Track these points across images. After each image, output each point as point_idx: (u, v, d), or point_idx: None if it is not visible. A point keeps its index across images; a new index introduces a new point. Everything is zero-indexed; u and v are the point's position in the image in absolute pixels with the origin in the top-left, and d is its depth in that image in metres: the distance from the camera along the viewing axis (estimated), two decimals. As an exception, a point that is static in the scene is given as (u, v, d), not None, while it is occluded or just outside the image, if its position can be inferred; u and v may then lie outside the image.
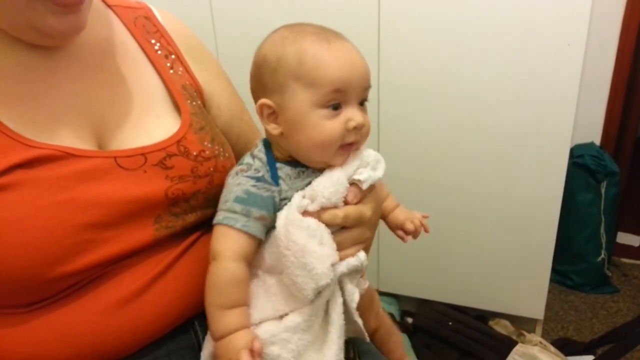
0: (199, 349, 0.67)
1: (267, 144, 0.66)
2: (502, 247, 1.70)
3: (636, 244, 2.39)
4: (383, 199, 0.73)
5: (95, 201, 0.57)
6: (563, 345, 1.79)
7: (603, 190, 2.01)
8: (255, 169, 0.63)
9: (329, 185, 0.62)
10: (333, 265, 0.59)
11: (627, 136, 2.17)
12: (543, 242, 1.64)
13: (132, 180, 0.61)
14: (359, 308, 0.68)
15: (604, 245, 2.07)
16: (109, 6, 0.72)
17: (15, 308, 0.57)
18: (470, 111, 1.54)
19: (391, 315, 1.82)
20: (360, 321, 0.67)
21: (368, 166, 0.65)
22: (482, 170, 1.61)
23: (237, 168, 0.64)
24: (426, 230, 0.74)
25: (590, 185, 2.01)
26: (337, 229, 0.63)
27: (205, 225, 0.68)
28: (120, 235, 0.59)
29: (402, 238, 0.74)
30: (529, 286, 1.72)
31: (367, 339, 0.71)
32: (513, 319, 1.81)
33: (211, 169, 0.68)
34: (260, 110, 0.64)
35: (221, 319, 0.59)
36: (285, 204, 0.62)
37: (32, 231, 0.53)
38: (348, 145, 0.63)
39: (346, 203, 0.64)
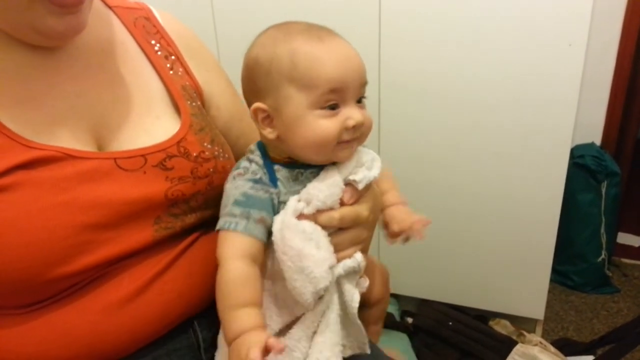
0: (199, 348, 0.67)
1: (262, 147, 0.65)
2: (502, 247, 1.70)
3: (636, 244, 2.38)
4: (382, 196, 0.72)
5: (95, 202, 0.57)
6: (563, 345, 1.79)
7: (603, 191, 2.01)
8: (252, 172, 0.62)
9: (325, 189, 0.61)
10: (331, 267, 0.59)
11: (628, 136, 2.17)
12: (543, 242, 1.64)
13: (132, 182, 0.61)
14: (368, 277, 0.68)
15: (604, 246, 2.07)
16: (109, 7, 0.72)
17: (15, 308, 0.58)
18: (471, 111, 1.54)
19: (391, 315, 1.82)
20: (360, 326, 0.66)
21: (363, 166, 0.65)
22: (482, 170, 1.61)
23: (234, 172, 0.64)
24: (419, 237, 0.69)
25: (590, 185, 2.01)
26: (334, 230, 0.63)
27: (205, 226, 0.68)
28: (120, 236, 0.59)
29: (387, 238, 0.71)
30: (529, 286, 1.72)
31: (368, 350, 0.69)
32: (513, 319, 1.81)
33: (211, 170, 0.68)
34: (255, 114, 0.63)
35: (232, 320, 0.57)
36: (281, 208, 0.62)
37: (32, 232, 0.53)
38: (346, 142, 0.61)
39: (342, 204, 0.63)
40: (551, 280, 1.72)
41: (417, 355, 1.72)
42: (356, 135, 0.62)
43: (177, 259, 0.65)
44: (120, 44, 0.69)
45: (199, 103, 0.74)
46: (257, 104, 0.62)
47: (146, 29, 0.73)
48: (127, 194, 0.60)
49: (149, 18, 0.75)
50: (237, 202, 0.60)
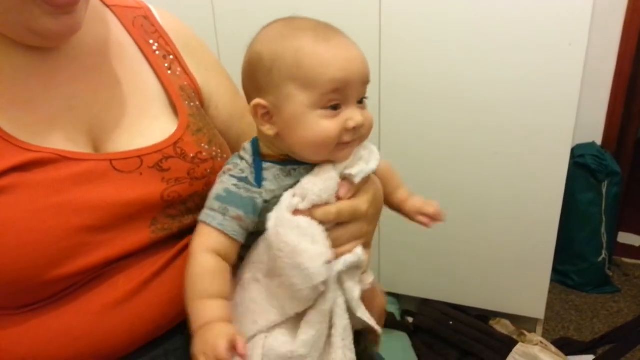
0: None
1: (256, 144, 0.65)
2: (502, 247, 1.70)
3: (637, 244, 2.38)
4: (387, 190, 0.72)
5: (90, 204, 0.57)
6: (564, 345, 1.79)
7: (604, 190, 2.01)
8: (240, 169, 0.62)
9: (319, 182, 0.60)
10: (327, 262, 0.58)
11: (628, 136, 2.17)
12: (544, 241, 1.64)
13: (128, 183, 0.60)
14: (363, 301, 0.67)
15: (604, 245, 2.07)
16: (107, 6, 0.71)
17: (11, 309, 0.57)
18: (472, 111, 1.54)
19: (391, 314, 1.82)
20: (366, 316, 0.65)
21: (361, 160, 0.64)
22: (483, 170, 1.61)
23: (225, 168, 0.63)
24: (441, 219, 0.73)
25: (591, 185, 2.01)
26: (333, 225, 0.62)
27: None
28: (116, 238, 0.59)
29: (424, 224, 0.72)
30: (529, 286, 1.72)
31: (379, 331, 0.68)
32: (514, 319, 1.81)
33: (208, 171, 0.67)
34: (255, 110, 0.62)
35: (199, 309, 0.56)
36: (275, 204, 0.60)
37: (27, 234, 0.53)
38: (346, 142, 0.61)
39: (339, 199, 0.62)
40: (552, 280, 1.72)
41: (418, 355, 1.72)
42: (356, 137, 0.61)
43: (174, 260, 0.65)
44: (117, 43, 0.69)
45: (197, 103, 0.73)
46: (257, 100, 0.61)
47: (144, 28, 0.73)
48: (123, 195, 0.59)
49: (148, 17, 0.74)
50: (217, 197, 0.60)
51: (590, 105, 2.02)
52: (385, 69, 1.56)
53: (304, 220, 0.59)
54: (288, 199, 0.60)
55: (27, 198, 0.54)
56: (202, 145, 0.68)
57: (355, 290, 0.63)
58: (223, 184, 0.61)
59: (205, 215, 0.60)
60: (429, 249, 1.77)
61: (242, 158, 0.63)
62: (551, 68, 1.41)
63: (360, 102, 0.62)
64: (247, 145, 0.65)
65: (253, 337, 0.61)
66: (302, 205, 0.60)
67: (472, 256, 1.75)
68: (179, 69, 0.73)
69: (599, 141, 2.10)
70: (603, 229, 2.05)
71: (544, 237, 1.63)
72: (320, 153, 0.61)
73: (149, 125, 0.66)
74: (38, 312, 0.57)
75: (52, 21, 0.54)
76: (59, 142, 0.59)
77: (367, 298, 0.71)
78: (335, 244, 0.61)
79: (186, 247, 0.66)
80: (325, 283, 0.58)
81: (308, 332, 0.59)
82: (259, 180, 0.61)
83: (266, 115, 0.62)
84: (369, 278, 0.67)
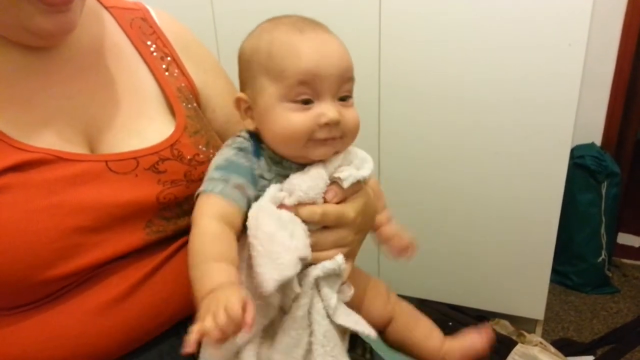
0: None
1: (252, 133, 0.65)
2: (502, 248, 1.69)
3: (637, 245, 2.38)
4: (379, 207, 0.70)
5: (85, 205, 0.57)
6: (563, 345, 1.78)
7: (603, 191, 2.00)
8: (239, 142, 0.62)
9: (308, 180, 0.59)
10: (301, 259, 0.55)
11: (628, 137, 2.16)
12: (543, 242, 1.64)
13: (123, 185, 0.60)
14: (358, 301, 0.66)
15: (604, 246, 2.07)
16: (105, 7, 0.71)
17: (5, 310, 0.57)
18: (471, 111, 1.54)
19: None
20: (350, 322, 0.62)
21: (351, 164, 0.63)
22: (482, 171, 1.60)
23: (227, 142, 0.63)
24: (410, 253, 0.70)
25: (590, 185, 2.00)
26: (317, 228, 0.60)
27: None
28: (110, 240, 0.59)
29: (390, 254, 0.70)
30: (529, 286, 1.72)
31: (372, 334, 0.64)
32: (513, 320, 1.81)
33: (205, 173, 0.67)
34: (237, 104, 0.63)
35: (204, 274, 0.51)
36: (263, 188, 0.59)
37: (21, 235, 0.53)
38: (322, 140, 0.59)
39: (326, 202, 0.61)
40: (551, 281, 1.71)
41: (417, 356, 1.71)
42: (333, 134, 0.59)
43: (168, 260, 0.64)
44: (114, 45, 0.69)
45: (195, 105, 0.73)
46: (239, 94, 0.63)
47: (142, 30, 0.73)
48: (118, 197, 0.59)
49: (146, 19, 0.74)
50: (218, 167, 0.59)
51: (590, 106, 2.02)
52: (385, 69, 1.56)
53: (286, 214, 0.58)
54: (274, 191, 0.59)
55: (22, 198, 0.54)
56: (200, 147, 0.68)
57: (332, 298, 0.60)
58: (223, 154, 0.60)
59: (205, 185, 0.58)
60: (428, 250, 1.77)
61: (239, 135, 0.63)
62: (551, 68, 1.41)
63: (344, 99, 0.60)
64: (243, 131, 0.65)
65: (238, 352, 0.59)
66: (288, 201, 0.59)
67: (471, 257, 1.75)
68: (176, 70, 0.73)
69: (598, 142, 2.10)
70: (602, 230, 2.05)
71: (543, 237, 1.63)
72: (291, 147, 0.60)
73: (145, 126, 0.66)
74: (32, 313, 0.57)
75: (46, 20, 0.54)
76: (54, 142, 0.59)
77: (365, 291, 0.70)
78: (317, 247, 0.59)
79: (181, 247, 0.66)
80: (291, 278, 0.54)
81: (282, 339, 0.58)
82: (257, 154, 0.61)
83: (248, 109, 0.62)
84: (349, 291, 0.64)
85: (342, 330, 0.62)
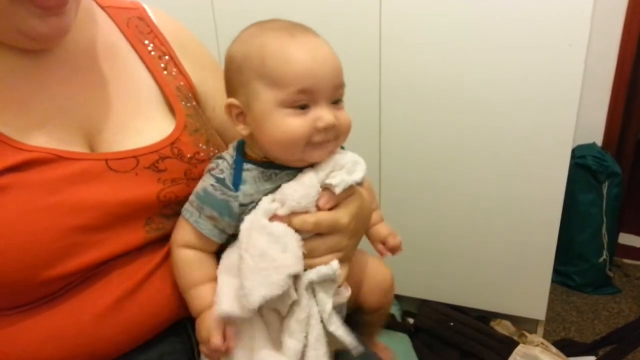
0: (192, 351, 0.66)
1: (241, 145, 0.65)
2: (503, 248, 1.69)
3: (638, 245, 2.38)
4: (372, 208, 0.71)
5: (85, 204, 0.57)
6: (565, 346, 1.78)
7: (605, 191, 2.00)
8: (220, 170, 0.62)
9: (299, 189, 0.59)
10: (291, 275, 0.56)
11: (629, 137, 2.16)
12: (544, 242, 1.64)
13: (123, 183, 0.60)
14: (357, 281, 0.66)
15: (605, 246, 2.06)
16: (101, 7, 0.71)
17: (5, 310, 0.57)
18: (472, 112, 1.54)
19: (392, 316, 1.82)
20: (340, 331, 0.62)
21: (342, 169, 0.62)
22: (483, 171, 1.60)
23: (209, 165, 0.64)
24: (396, 252, 0.74)
25: (592, 185, 2.00)
26: (311, 235, 0.61)
27: None
28: (111, 238, 0.59)
29: (381, 252, 0.72)
30: (530, 287, 1.72)
31: (357, 349, 0.65)
32: (514, 320, 1.80)
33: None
34: (229, 110, 0.63)
35: (190, 300, 0.62)
36: (253, 207, 0.60)
37: (21, 234, 0.53)
38: (318, 143, 0.60)
39: (319, 209, 0.61)
40: (552, 281, 1.71)
41: (419, 356, 1.71)
42: (329, 137, 0.60)
43: (167, 259, 0.65)
44: (111, 44, 0.69)
45: (194, 103, 0.73)
46: (229, 100, 0.62)
47: (139, 29, 0.73)
48: (118, 196, 0.59)
49: (143, 18, 0.74)
50: (197, 195, 0.62)
51: (591, 106, 2.02)
52: (386, 71, 1.56)
53: (279, 227, 0.58)
54: (266, 204, 0.59)
55: (23, 198, 0.54)
56: (200, 145, 0.68)
57: (327, 303, 0.61)
58: (204, 182, 0.62)
59: (185, 209, 0.63)
60: (429, 250, 1.77)
61: (224, 158, 0.64)
62: (551, 69, 1.41)
63: (336, 102, 0.61)
64: (233, 144, 0.66)
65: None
66: (281, 211, 0.59)
67: (472, 257, 1.74)
68: (174, 69, 0.73)
69: (599, 142, 2.10)
70: (604, 230, 2.05)
71: (544, 238, 1.63)
72: (290, 152, 0.60)
73: (145, 125, 0.66)
74: (33, 313, 0.57)
75: (40, 23, 0.54)
76: (55, 142, 0.59)
77: (359, 273, 0.71)
78: (312, 254, 0.60)
79: None
80: (277, 296, 0.56)
81: (291, 342, 0.59)
82: (236, 183, 0.61)
83: (240, 115, 0.62)
84: (346, 292, 0.65)
85: (329, 342, 0.62)
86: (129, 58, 0.70)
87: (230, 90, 0.64)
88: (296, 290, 0.59)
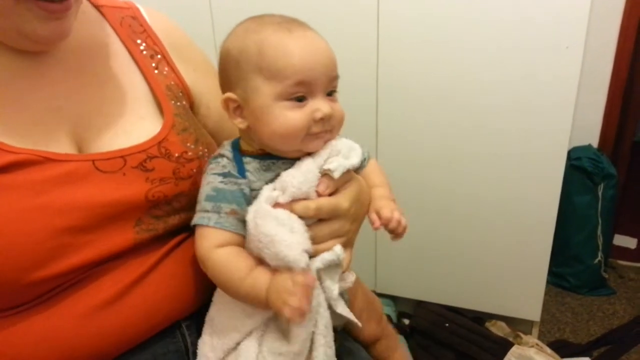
0: (187, 352, 0.66)
1: (235, 142, 0.66)
2: (499, 249, 1.70)
3: (633, 246, 2.39)
4: (370, 189, 0.70)
5: (72, 205, 0.57)
6: (559, 347, 1.79)
7: (600, 193, 2.01)
8: (222, 166, 0.63)
9: (298, 175, 0.61)
10: (305, 251, 0.58)
11: (625, 138, 2.17)
12: (540, 243, 1.64)
13: (111, 184, 0.60)
14: (356, 313, 0.67)
15: (600, 248, 2.07)
16: (95, 6, 0.71)
17: None
18: (468, 114, 1.54)
19: (388, 316, 1.82)
20: (346, 311, 0.65)
21: (339, 154, 0.63)
22: (479, 173, 1.61)
23: (206, 168, 0.64)
24: (401, 232, 0.67)
25: (587, 187, 2.01)
26: (313, 222, 0.62)
27: (190, 228, 0.67)
28: (100, 239, 0.59)
29: (372, 222, 0.66)
30: (525, 288, 1.72)
31: (359, 324, 0.67)
32: (509, 321, 1.81)
33: (194, 171, 0.67)
34: (226, 104, 0.63)
35: (252, 284, 0.58)
36: (257, 194, 0.61)
37: (9, 236, 0.53)
38: (316, 133, 0.61)
39: (319, 195, 0.62)
40: (547, 282, 1.72)
41: (414, 357, 1.71)
42: (326, 128, 0.62)
43: (160, 261, 0.64)
44: (104, 44, 0.69)
45: (184, 103, 0.73)
46: (227, 94, 0.63)
47: (132, 28, 0.73)
48: (106, 196, 0.59)
49: (136, 17, 0.74)
50: (208, 197, 0.61)
51: (587, 108, 2.03)
52: (383, 71, 1.56)
53: (282, 212, 0.59)
54: (267, 192, 0.60)
55: (9, 200, 0.54)
56: (188, 144, 0.68)
57: (334, 288, 0.63)
58: (210, 183, 0.62)
59: (200, 218, 0.61)
60: (425, 251, 1.77)
61: (222, 155, 0.64)
62: (548, 70, 1.41)
63: (330, 94, 0.63)
64: (227, 142, 0.66)
65: (238, 344, 0.61)
66: (282, 199, 0.60)
67: (468, 258, 1.75)
68: (166, 68, 0.73)
69: (595, 144, 2.10)
70: (599, 232, 2.05)
71: (540, 239, 1.63)
72: (289, 144, 0.61)
73: (134, 125, 0.66)
74: (23, 315, 0.57)
75: (42, 26, 0.55)
76: (42, 143, 0.58)
77: (363, 303, 0.71)
78: (315, 240, 0.61)
79: (173, 248, 0.66)
80: (304, 269, 0.57)
81: (299, 330, 0.60)
82: (242, 172, 0.62)
83: (237, 109, 0.63)
84: (351, 277, 0.67)
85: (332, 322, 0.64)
86: (122, 57, 0.70)
87: (226, 85, 0.64)
88: None
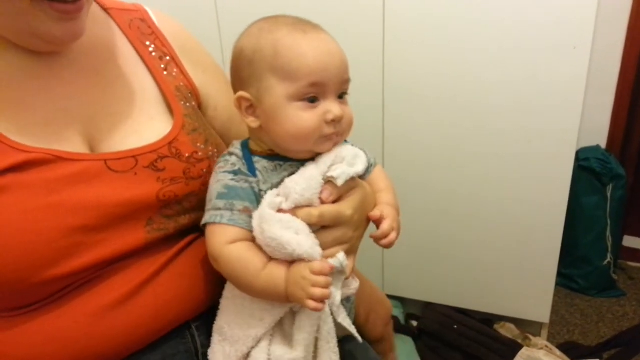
0: (196, 353, 0.66)
1: (244, 142, 0.67)
2: (507, 250, 1.69)
3: (642, 248, 2.37)
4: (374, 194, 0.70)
5: (84, 204, 0.57)
6: (569, 349, 1.78)
7: (609, 194, 2.00)
8: (232, 164, 0.63)
9: (302, 182, 0.61)
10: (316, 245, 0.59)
11: (633, 139, 2.16)
12: (549, 245, 1.63)
13: (123, 183, 0.61)
14: (365, 311, 0.67)
15: (609, 249, 2.06)
16: (104, 9, 0.72)
17: (5, 311, 0.57)
18: (476, 114, 1.53)
19: (396, 318, 1.82)
20: (346, 322, 0.65)
21: (344, 162, 0.63)
22: (487, 174, 1.60)
23: (216, 167, 0.64)
24: (385, 245, 0.65)
25: (596, 188, 2.00)
26: (316, 229, 0.62)
27: (200, 228, 0.68)
28: (111, 238, 0.59)
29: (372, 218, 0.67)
30: (534, 289, 1.72)
31: (359, 340, 0.68)
32: (518, 323, 1.80)
33: (204, 171, 0.68)
34: (238, 103, 0.64)
35: (270, 279, 0.58)
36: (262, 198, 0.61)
37: (21, 234, 0.53)
38: (328, 135, 0.62)
39: (322, 202, 0.62)
40: (556, 284, 1.71)
41: (422, 359, 1.71)
42: (337, 130, 0.62)
43: (171, 261, 0.65)
44: (114, 45, 0.69)
45: (193, 104, 0.74)
46: (240, 93, 0.63)
47: (141, 30, 0.74)
48: (118, 195, 0.60)
49: (145, 19, 0.75)
50: (220, 195, 0.61)
51: (595, 108, 2.02)
52: (389, 72, 1.56)
53: (286, 216, 0.59)
54: (271, 197, 0.60)
55: (22, 198, 0.54)
56: (198, 145, 0.69)
57: (337, 296, 0.63)
58: (221, 181, 0.62)
59: (212, 216, 0.61)
60: (433, 253, 1.77)
61: (231, 154, 0.65)
62: (556, 71, 1.41)
63: (341, 97, 0.63)
64: (236, 142, 0.67)
65: (257, 338, 0.61)
66: (285, 205, 0.60)
67: (476, 259, 1.74)
68: (175, 69, 0.74)
69: (603, 144, 2.09)
70: (608, 233, 2.04)
71: (548, 240, 1.62)
72: (302, 145, 0.62)
73: (144, 125, 0.67)
74: (34, 314, 0.57)
75: (57, 27, 0.56)
76: (54, 142, 0.59)
77: (371, 302, 0.71)
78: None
79: (183, 249, 0.67)
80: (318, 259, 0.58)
81: (301, 336, 0.60)
82: (252, 170, 0.63)
83: (250, 108, 0.63)
84: (354, 283, 0.67)
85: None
86: (131, 59, 0.71)
87: (239, 83, 0.64)
88: None
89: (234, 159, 0.64)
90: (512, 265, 1.70)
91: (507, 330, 1.79)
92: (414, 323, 1.87)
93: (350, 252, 0.65)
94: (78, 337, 0.58)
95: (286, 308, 0.62)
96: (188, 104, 0.72)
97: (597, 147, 2.05)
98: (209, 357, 0.65)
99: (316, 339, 0.61)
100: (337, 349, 0.63)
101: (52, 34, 0.56)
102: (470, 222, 1.69)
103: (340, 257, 0.62)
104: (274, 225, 0.58)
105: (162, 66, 0.73)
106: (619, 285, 2.13)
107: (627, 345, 1.80)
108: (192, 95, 0.75)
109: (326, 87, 0.60)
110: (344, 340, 0.69)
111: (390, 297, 1.91)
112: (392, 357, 0.85)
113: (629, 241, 2.35)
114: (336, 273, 0.62)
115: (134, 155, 0.63)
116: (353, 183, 0.64)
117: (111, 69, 0.68)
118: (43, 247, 0.54)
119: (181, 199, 0.65)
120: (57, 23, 0.55)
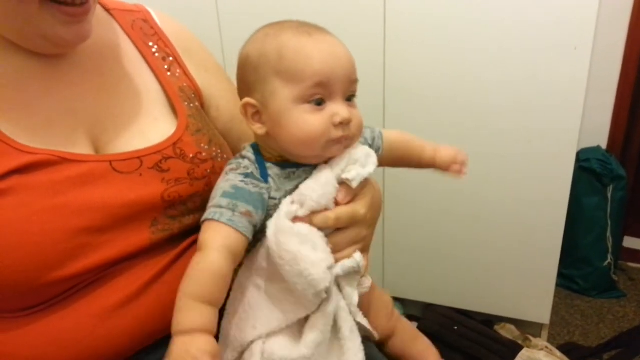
0: None
1: (255, 147, 0.65)
2: (507, 251, 1.69)
3: (643, 249, 2.37)
4: (412, 156, 0.75)
5: (90, 205, 0.57)
6: (569, 350, 1.78)
7: (609, 194, 2.00)
8: (244, 167, 0.61)
9: (318, 188, 0.60)
10: (329, 268, 0.58)
11: (634, 140, 2.16)
12: (549, 246, 1.63)
13: (128, 184, 0.61)
14: (364, 309, 0.67)
15: (610, 250, 2.06)
16: (107, 10, 0.72)
17: (11, 312, 0.57)
18: (476, 115, 1.53)
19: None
20: (364, 321, 0.66)
21: (357, 163, 0.63)
22: (487, 174, 1.60)
23: (227, 168, 0.63)
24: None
25: (596, 189, 2.00)
26: (331, 231, 0.62)
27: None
28: (116, 239, 0.59)
29: (458, 173, 0.79)
30: (534, 290, 1.71)
31: (376, 337, 0.69)
32: (519, 324, 1.80)
33: (208, 171, 0.68)
34: (244, 110, 0.63)
35: (190, 311, 0.53)
36: (275, 206, 0.60)
37: (26, 236, 0.53)
38: (336, 139, 0.60)
39: (337, 204, 0.62)
40: (557, 285, 1.70)
41: (422, 360, 1.71)
42: (347, 133, 0.61)
43: (175, 261, 0.65)
44: (117, 47, 0.70)
45: (197, 104, 0.74)
46: (246, 99, 0.62)
47: (144, 31, 0.74)
48: (123, 196, 0.60)
49: (147, 20, 0.75)
50: (225, 194, 0.59)
51: (596, 109, 2.02)
52: (390, 72, 1.56)
53: (303, 227, 0.59)
54: (287, 206, 0.60)
55: (27, 200, 0.54)
56: (202, 145, 0.69)
57: (354, 296, 0.63)
58: (229, 181, 0.60)
59: (212, 212, 0.58)
60: (433, 253, 1.76)
61: (244, 157, 0.63)
62: (556, 71, 1.40)
63: (349, 100, 0.62)
64: (248, 146, 0.66)
65: (251, 342, 0.61)
66: (301, 212, 0.60)
67: (476, 260, 1.74)
68: (178, 70, 0.74)
69: (604, 145, 2.09)
70: (608, 234, 2.04)
71: (549, 241, 1.62)
72: (310, 150, 0.61)
73: (148, 126, 0.67)
74: (39, 315, 0.57)
75: (65, 29, 0.56)
76: (59, 144, 0.59)
77: (373, 302, 0.71)
78: (334, 249, 0.61)
79: (187, 249, 0.67)
80: (328, 290, 0.58)
81: (312, 334, 0.59)
82: (264, 176, 0.61)
83: (256, 114, 0.62)
84: (367, 281, 0.67)
85: None
86: (134, 60, 0.71)
87: (245, 90, 0.64)
88: None
89: (246, 162, 0.62)
90: (513, 266, 1.70)
91: (508, 331, 1.79)
92: (414, 324, 1.87)
93: (364, 251, 0.65)
94: (82, 338, 0.58)
95: (300, 316, 0.60)
96: (192, 105, 0.72)
97: (598, 148, 2.05)
98: None
99: (339, 339, 0.61)
100: (362, 347, 0.62)
101: (61, 37, 0.56)
102: (470, 223, 1.69)
103: (357, 257, 0.62)
104: (290, 238, 0.57)
105: (166, 67, 0.73)
106: (620, 286, 2.13)
107: (628, 346, 1.80)
108: (196, 95, 0.75)
109: (332, 88, 0.59)
110: None
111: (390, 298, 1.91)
112: (420, 345, 0.83)
113: (630, 242, 2.35)
114: (352, 273, 0.62)
115: (139, 157, 0.63)
116: (365, 183, 0.65)
117: (115, 70, 0.68)
118: (49, 249, 0.54)
119: (185, 199, 0.65)
120: (65, 26, 0.56)
